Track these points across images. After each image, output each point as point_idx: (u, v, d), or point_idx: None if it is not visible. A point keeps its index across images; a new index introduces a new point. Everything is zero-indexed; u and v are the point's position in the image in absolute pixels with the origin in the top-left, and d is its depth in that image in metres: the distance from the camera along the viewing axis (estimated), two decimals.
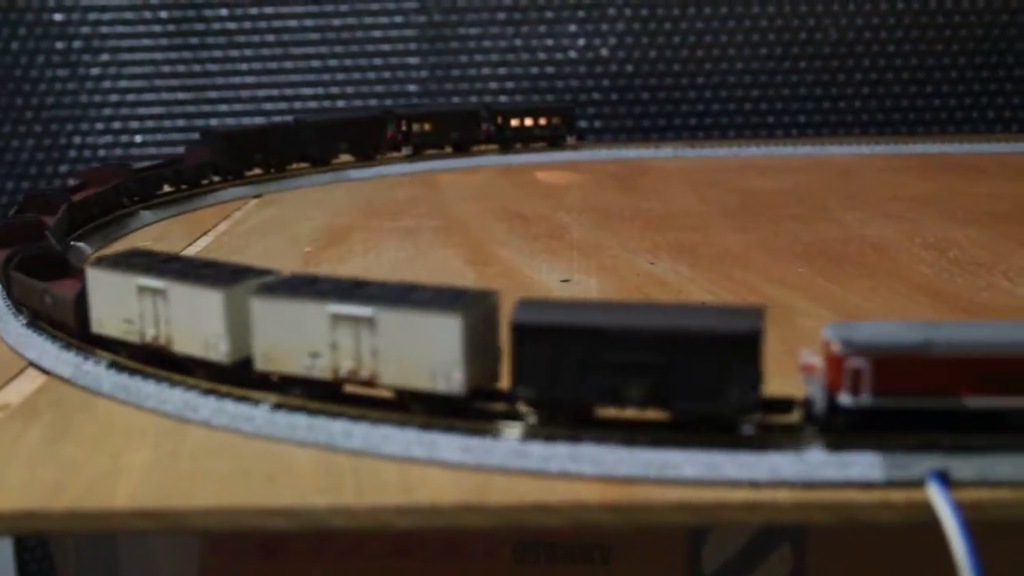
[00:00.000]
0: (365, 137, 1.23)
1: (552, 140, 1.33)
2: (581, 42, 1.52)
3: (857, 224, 0.87)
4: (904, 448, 0.42)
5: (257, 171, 1.11)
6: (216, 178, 1.07)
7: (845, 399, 0.42)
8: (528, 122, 1.32)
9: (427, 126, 1.26)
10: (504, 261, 0.77)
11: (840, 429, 0.42)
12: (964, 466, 0.41)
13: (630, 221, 0.90)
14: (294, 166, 1.16)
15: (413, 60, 1.51)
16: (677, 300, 0.66)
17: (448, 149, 1.28)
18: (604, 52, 1.52)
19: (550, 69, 1.52)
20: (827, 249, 0.79)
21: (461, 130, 1.30)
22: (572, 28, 1.52)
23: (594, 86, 1.52)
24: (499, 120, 1.32)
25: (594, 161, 1.25)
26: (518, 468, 0.43)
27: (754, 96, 1.51)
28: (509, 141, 1.31)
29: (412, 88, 1.51)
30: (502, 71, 1.52)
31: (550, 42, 1.52)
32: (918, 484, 0.41)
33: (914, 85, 1.51)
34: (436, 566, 0.60)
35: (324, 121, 1.21)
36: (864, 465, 0.41)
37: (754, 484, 0.41)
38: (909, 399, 0.42)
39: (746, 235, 0.84)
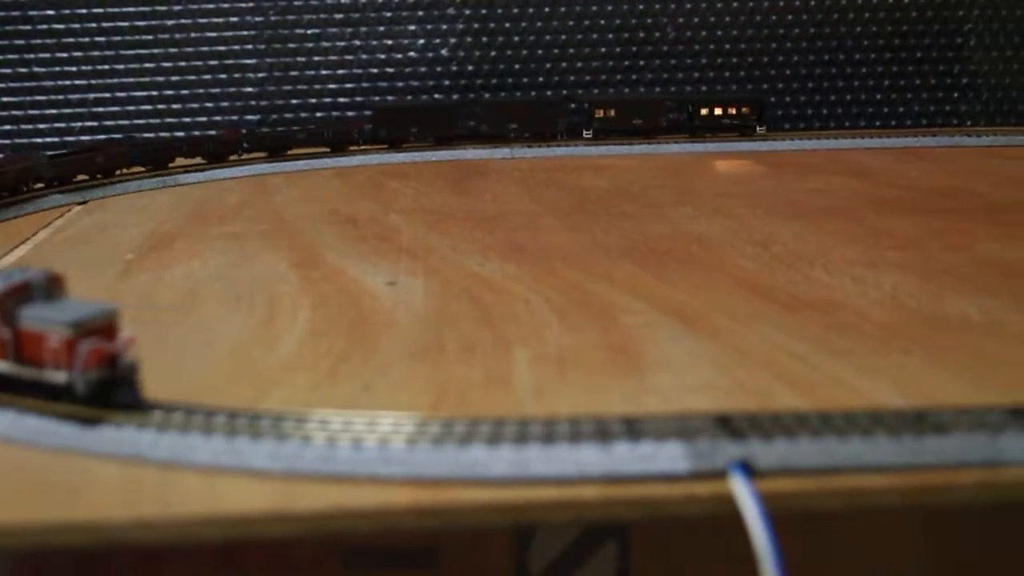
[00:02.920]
0: (541, 120, 1.34)
1: (741, 130, 1.38)
2: (421, 42, 1.51)
3: (686, 221, 0.89)
4: (710, 438, 0.42)
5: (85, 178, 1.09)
6: (39, 185, 1.04)
7: None
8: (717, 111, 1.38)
9: (612, 112, 1.34)
10: (330, 264, 0.76)
11: None
12: (768, 454, 0.42)
13: (461, 222, 0.90)
14: (120, 172, 1.14)
15: (250, 61, 1.49)
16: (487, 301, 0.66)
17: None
18: (444, 52, 1.52)
19: (390, 69, 1.51)
20: (654, 246, 0.80)
21: (644, 117, 1.35)
22: (412, 28, 1.51)
23: (434, 86, 1.52)
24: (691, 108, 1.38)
25: (428, 162, 1.25)
26: (327, 473, 0.43)
27: (593, 95, 1.52)
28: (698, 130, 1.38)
29: (249, 90, 1.49)
30: (341, 72, 1.51)
31: (389, 42, 1.51)
32: (723, 475, 0.41)
33: (750, 83, 1.54)
34: None
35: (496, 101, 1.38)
36: (669, 457, 0.41)
37: (561, 481, 0.41)
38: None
39: (576, 234, 0.84)
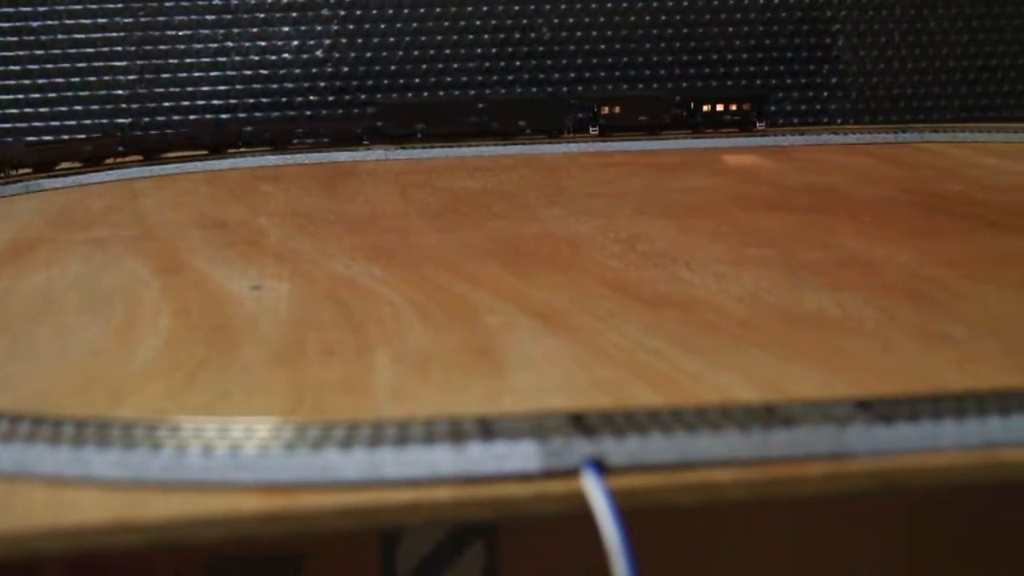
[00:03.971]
0: (548, 117, 1.35)
1: (742, 126, 1.39)
2: (295, 43, 1.50)
3: (555, 221, 0.89)
4: (562, 435, 0.42)
5: None
6: None
7: None
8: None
9: (617, 109, 1.35)
10: (195, 270, 0.75)
11: None
12: (620, 451, 0.42)
13: (331, 225, 0.89)
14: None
15: (119, 63, 1.46)
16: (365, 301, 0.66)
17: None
18: (319, 53, 1.51)
19: (264, 71, 1.50)
20: (522, 247, 0.80)
21: (649, 113, 1.36)
22: (285, 29, 1.50)
23: (310, 88, 1.51)
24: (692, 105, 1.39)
25: (301, 165, 1.24)
26: (177, 481, 0.42)
27: (471, 96, 1.52)
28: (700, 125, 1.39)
29: (120, 92, 1.47)
30: (214, 73, 1.49)
31: (263, 43, 1.50)
32: (575, 473, 0.41)
33: (625, 83, 1.56)
34: None
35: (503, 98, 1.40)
36: (521, 456, 0.42)
37: (414, 483, 0.41)
38: None
39: (446, 235, 0.84)
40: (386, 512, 0.41)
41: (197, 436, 0.43)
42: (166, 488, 0.42)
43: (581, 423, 0.43)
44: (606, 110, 1.35)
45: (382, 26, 1.51)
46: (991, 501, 0.48)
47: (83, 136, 1.40)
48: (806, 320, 0.61)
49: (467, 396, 0.50)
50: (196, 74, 1.49)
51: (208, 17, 1.48)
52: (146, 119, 1.47)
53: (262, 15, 1.49)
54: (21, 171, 1.14)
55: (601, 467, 0.41)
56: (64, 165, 1.17)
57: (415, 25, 1.52)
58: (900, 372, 0.52)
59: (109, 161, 1.20)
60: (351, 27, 1.51)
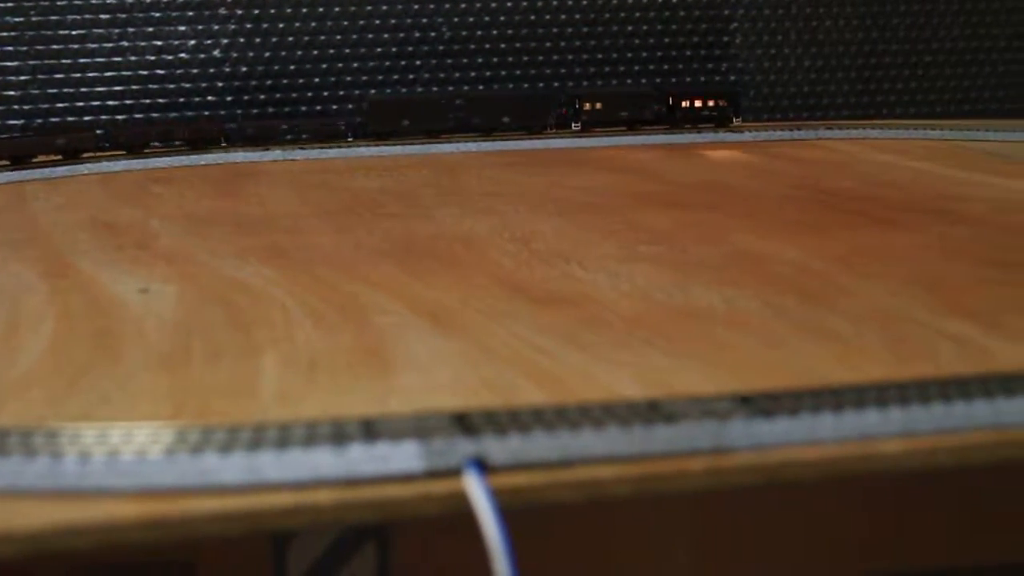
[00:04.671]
0: (531, 113, 1.36)
1: (719, 121, 1.40)
2: (192, 43, 1.48)
3: (451, 220, 0.89)
4: (445, 435, 0.42)
5: None
6: None
7: None
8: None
9: (599, 105, 1.37)
10: (82, 273, 0.74)
11: None
12: (502, 450, 0.42)
13: (224, 227, 0.88)
14: None
15: (11, 64, 1.44)
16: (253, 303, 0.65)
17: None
18: (216, 53, 1.49)
19: (160, 71, 1.48)
20: (416, 246, 0.80)
21: (630, 109, 1.37)
22: (182, 28, 1.48)
23: (207, 88, 1.49)
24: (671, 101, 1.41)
25: (195, 166, 1.22)
26: (52, 489, 0.41)
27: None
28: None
29: (11, 93, 1.44)
30: (109, 73, 1.47)
31: (159, 43, 1.48)
32: (457, 473, 0.41)
33: (525, 82, 1.56)
34: None
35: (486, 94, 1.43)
36: (404, 457, 0.41)
37: (295, 485, 0.41)
38: None
39: (341, 235, 0.84)
40: (267, 516, 0.40)
41: (74, 443, 0.43)
42: (41, 496, 0.41)
43: (464, 423, 0.43)
44: (588, 106, 1.37)
45: (280, 25, 1.50)
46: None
47: None
48: (694, 316, 0.61)
49: (354, 397, 0.50)
50: (91, 74, 1.47)
51: (102, 16, 1.46)
52: (39, 120, 1.45)
53: (158, 14, 1.47)
54: None
55: (483, 466, 0.41)
56: None
57: (314, 24, 1.51)
58: (784, 367, 0.53)
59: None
60: (249, 26, 1.49)
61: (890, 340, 0.57)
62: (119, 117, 1.46)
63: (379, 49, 1.53)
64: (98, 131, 1.31)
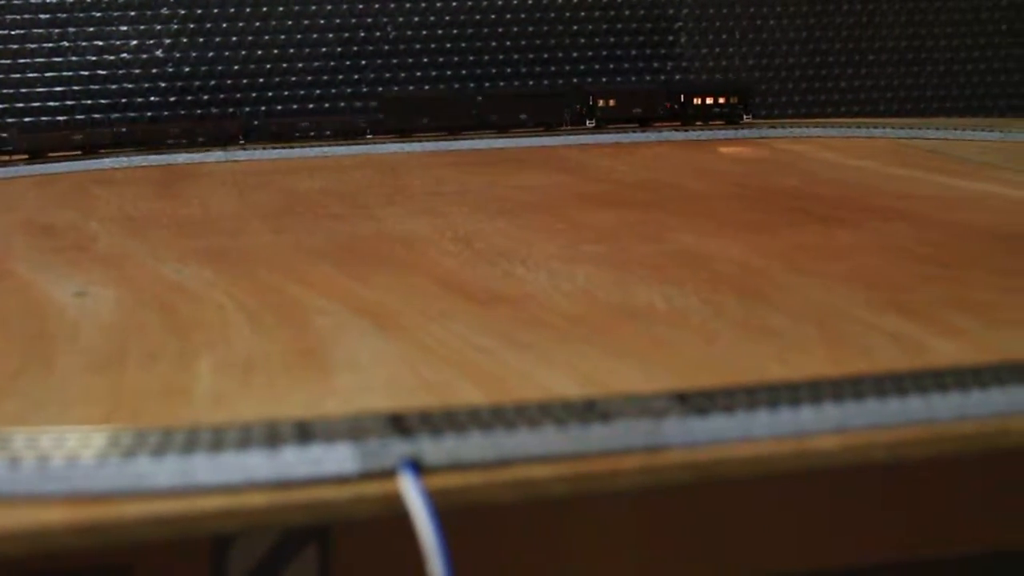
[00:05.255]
0: (547, 110, 1.37)
1: (730, 119, 1.40)
2: (133, 43, 1.47)
3: (393, 220, 0.89)
4: (379, 436, 0.42)
5: None
6: None
7: None
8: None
9: (612, 102, 1.37)
10: (18, 276, 0.73)
11: None
12: (437, 451, 0.42)
13: (163, 229, 0.87)
14: None
15: None
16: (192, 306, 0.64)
17: None
18: (159, 53, 1.48)
19: (101, 71, 1.47)
20: (357, 247, 0.79)
21: (643, 106, 1.38)
22: (124, 28, 1.47)
23: (150, 89, 1.48)
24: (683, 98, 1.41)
25: (136, 168, 1.21)
26: None
27: (315, 96, 1.51)
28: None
29: None
30: (49, 74, 1.45)
31: (100, 43, 1.46)
32: (391, 474, 0.41)
33: (473, 81, 1.56)
34: None
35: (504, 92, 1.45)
36: (338, 459, 0.41)
37: (228, 488, 0.41)
38: None
39: (281, 236, 0.83)
40: (202, 519, 0.40)
41: (3, 447, 0.42)
42: None
43: (399, 423, 0.43)
44: (602, 103, 1.37)
45: (224, 25, 1.49)
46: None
47: None
48: (634, 315, 0.62)
49: (290, 399, 0.49)
50: (30, 75, 1.45)
51: (42, 16, 1.44)
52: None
53: (99, 14, 1.46)
54: None
55: (418, 467, 0.41)
56: None
57: (258, 24, 1.50)
58: (723, 364, 0.53)
59: None
60: (192, 26, 1.48)
61: (827, 337, 0.57)
62: (60, 118, 1.45)
63: (324, 49, 1.52)
64: (122, 129, 1.31)
